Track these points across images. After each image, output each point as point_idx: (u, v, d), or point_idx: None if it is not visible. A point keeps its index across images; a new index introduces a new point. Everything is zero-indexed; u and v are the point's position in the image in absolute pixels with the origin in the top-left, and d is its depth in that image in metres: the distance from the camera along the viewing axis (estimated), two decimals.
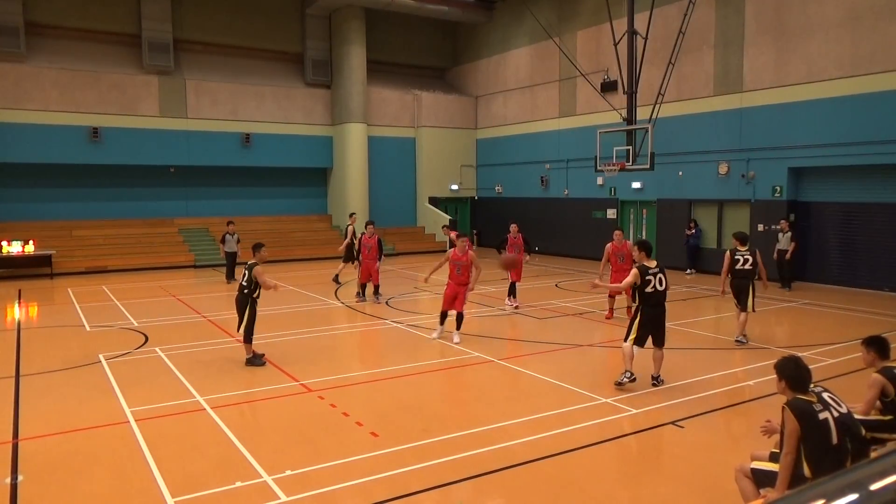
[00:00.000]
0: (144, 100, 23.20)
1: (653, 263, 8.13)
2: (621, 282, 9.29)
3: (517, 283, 13.85)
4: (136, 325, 12.35)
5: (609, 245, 12.74)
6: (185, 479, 5.61)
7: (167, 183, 24.51)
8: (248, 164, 25.23)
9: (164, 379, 8.70)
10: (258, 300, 9.39)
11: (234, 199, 25.75)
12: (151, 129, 23.24)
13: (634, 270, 8.06)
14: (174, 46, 23.89)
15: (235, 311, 9.51)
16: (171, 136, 23.58)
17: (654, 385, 8.21)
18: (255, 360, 9.34)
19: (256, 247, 9.51)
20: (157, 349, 10.31)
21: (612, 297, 12.79)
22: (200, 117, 24.16)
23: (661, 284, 8.04)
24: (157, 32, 23.40)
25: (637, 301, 8.15)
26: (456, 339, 10.71)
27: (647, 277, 8.00)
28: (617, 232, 12.93)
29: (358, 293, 15.11)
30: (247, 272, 9.29)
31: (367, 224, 15.38)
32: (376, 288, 14.95)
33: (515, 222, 14.73)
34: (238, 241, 18.16)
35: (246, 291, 9.24)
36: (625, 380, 8.06)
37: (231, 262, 18.28)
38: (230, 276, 18.17)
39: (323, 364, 9.53)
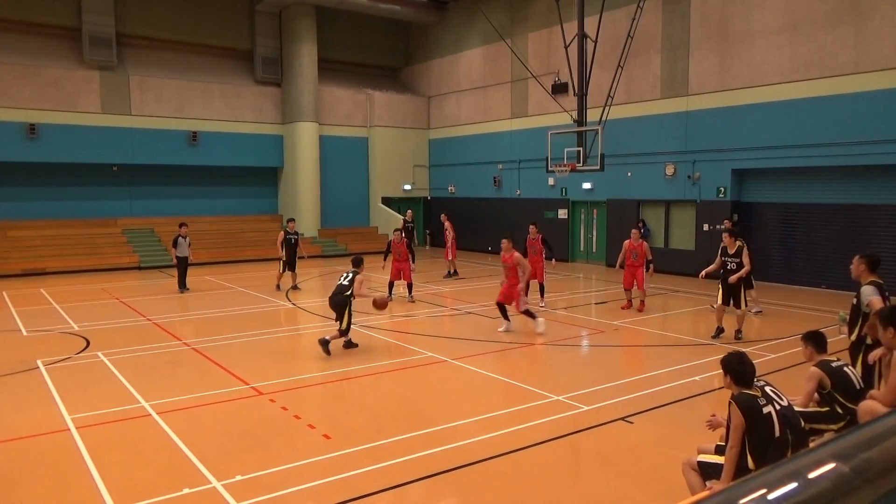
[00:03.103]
0: (85, 95, 22.39)
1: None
2: (634, 276, 13.25)
3: (544, 284, 14.30)
4: (76, 328, 11.90)
5: (626, 242, 13.64)
6: (130, 487, 5.43)
7: (110, 182, 23.71)
8: (196, 163, 24.63)
9: (106, 384, 8.41)
10: (353, 301, 10.15)
11: (180, 199, 25.08)
12: (93, 126, 22.45)
13: (748, 252, 10.52)
14: (117, 41, 23.14)
15: (332, 310, 10.20)
16: (114, 134, 22.83)
17: (738, 338, 10.51)
18: (351, 344, 10.28)
19: (360, 261, 10.51)
20: (99, 354, 9.96)
21: (627, 289, 13.70)
22: (145, 114, 23.46)
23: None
24: (99, 26, 22.62)
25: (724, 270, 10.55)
26: (540, 328, 11.16)
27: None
28: (634, 231, 13.87)
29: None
30: (351, 275, 10.19)
31: (395, 230, 15.79)
32: (410, 286, 15.11)
33: (535, 223, 14.88)
34: (189, 245, 16.55)
35: (347, 293, 10.00)
36: (720, 334, 10.62)
37: (183, 267, 16.46)
38: (183, 284, 16.49)
39: (274, 366, 9.38)
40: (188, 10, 25.02)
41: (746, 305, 10.93)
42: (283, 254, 16.29)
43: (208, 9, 25.41)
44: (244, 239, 24.58)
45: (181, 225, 16.72)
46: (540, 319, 11.34)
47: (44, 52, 22.35)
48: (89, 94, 22.48)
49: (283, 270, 16.43)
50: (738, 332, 10.77)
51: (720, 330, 10.88)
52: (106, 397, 7.82)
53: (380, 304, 10.51)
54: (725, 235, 10.88)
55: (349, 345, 10.28)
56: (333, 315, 10.26)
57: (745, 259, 10.54)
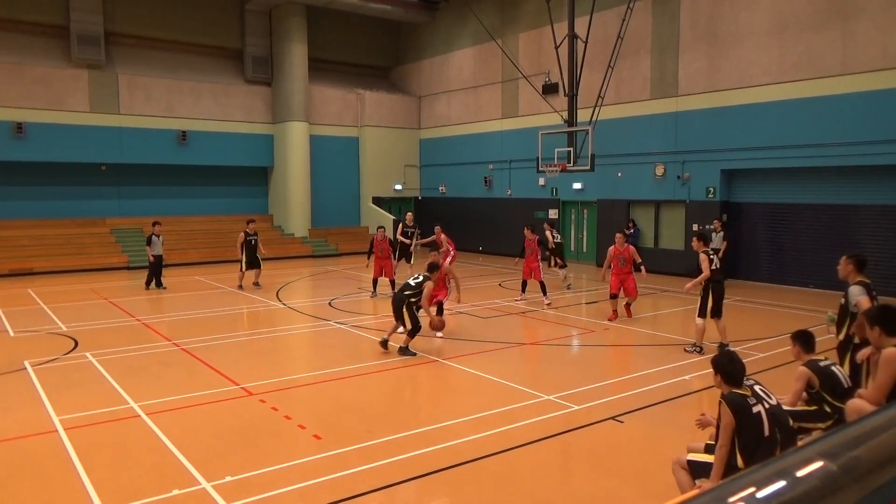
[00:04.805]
0: (73, 94, 22.22)
1: (708, 247, 10.11)
2: (623, 283, 12.54)
3: (543, 282, 14.44)
4: (64, 329, 11.81)
5: (611, 248, 12.79)
6: (119, 488, 5.40)
7: (98, 181, 23.54)
8: (185, 163, 24.49)
9: (95, 385, 8.35)
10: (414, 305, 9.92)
11: (169, 198, 24.94)
12: (81, 126, 22.28)
13: (704, 256, 9.81)
14: (105, 39, 22.97)
15: (392, 312, 10.02)
16: (103, 133, 22.67)
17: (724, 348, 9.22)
18: (409, 351, 9.76)
19: (436, 266, 10.42)
20: (87, 354, 9.88)
21: (614, 294, 12.72)
22: (133, 113, 23.31)
23: (718, 263, 9.97)
24: (87, 24, 22.45)
25: (709, 278, 9.74)
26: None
27: (711, 257, 9.87)
28: (618, 235, 12.99)
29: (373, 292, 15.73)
30: (421, 279, 9.98)
31: (378, 227, 16.60)
32: (392, 283, 15.43)
33: (530, 226, 15.11)
34: (162, 244, 16.80)
35: (409, 293, 9.82)
36: (694, 350, 9.81)
37: (158, 266, 16.64)
38: (155, 282, 16.62)
39: (264, 367, 9.35)
40: (177, 9, 24.87)
41: (706, 316, 9.88)
42: (242, 254, 16.88)
43: (198, 7, 25.27)
44: (234, 239, 24.34)
45: (154, 223, 17.03)
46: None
47: (31, 51, 22.15)
48: (77, 93, 22.31)
49: (245, 270, 16.91)
50: (714, 344, 9.96)
51: (699, 347, 10.05)
52: (94, 398, 7.76)
53: (436, 326, 10.21)
54: (693, 239, 10.39)
55: (405, 351, 9.76)
56: (392, 317, 10.12)
57: (703, 265, 9.86)
